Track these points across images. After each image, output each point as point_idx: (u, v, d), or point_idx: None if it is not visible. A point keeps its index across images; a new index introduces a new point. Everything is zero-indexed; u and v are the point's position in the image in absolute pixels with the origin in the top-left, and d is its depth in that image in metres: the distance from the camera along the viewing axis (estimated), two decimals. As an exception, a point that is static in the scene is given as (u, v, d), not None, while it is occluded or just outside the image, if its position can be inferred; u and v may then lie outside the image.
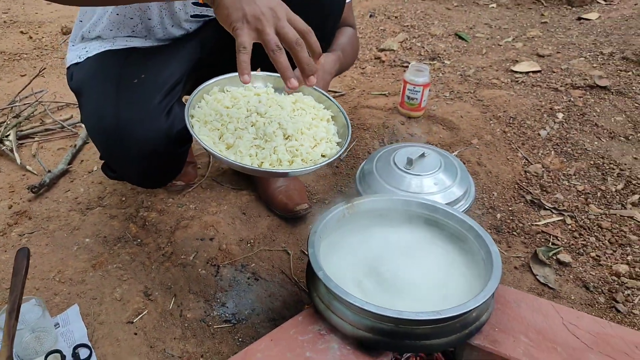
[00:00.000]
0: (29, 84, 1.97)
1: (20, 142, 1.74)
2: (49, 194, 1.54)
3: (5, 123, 1.80)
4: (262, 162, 0.94)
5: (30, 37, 2.59)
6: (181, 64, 1.21)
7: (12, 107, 1.89)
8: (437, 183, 1.30)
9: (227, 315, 1.19)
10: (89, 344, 1.07)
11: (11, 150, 1.68)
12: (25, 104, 1.90)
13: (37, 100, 1.90)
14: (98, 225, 1.42)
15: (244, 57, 0.81)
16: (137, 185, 1.28)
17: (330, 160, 0.96)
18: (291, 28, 0.84)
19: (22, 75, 2.22)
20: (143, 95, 1.10)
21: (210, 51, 1.27)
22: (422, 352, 1.00)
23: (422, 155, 1.34)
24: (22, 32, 2.66)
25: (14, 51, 2.45)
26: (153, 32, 1.24)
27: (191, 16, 1.24)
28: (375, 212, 1.14)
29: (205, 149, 0.89)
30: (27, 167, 1.63)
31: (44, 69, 2.16)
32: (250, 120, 0.99)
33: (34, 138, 1.78)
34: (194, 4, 1.22)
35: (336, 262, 1.04)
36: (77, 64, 1.25)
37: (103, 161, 1.30)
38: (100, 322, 1.14)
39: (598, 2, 2.80)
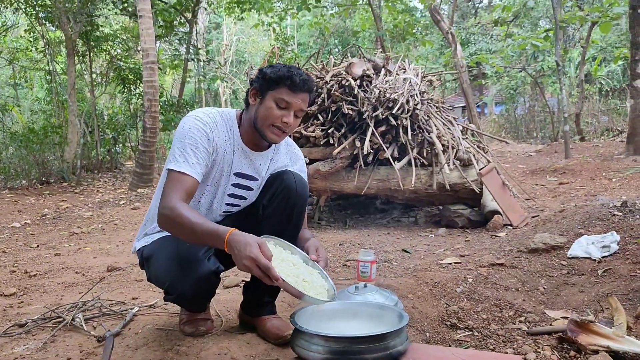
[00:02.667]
0: (91, 289, 2.73)
1: (85, 322, 2.41)
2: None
3: (73, 312, 2.50)
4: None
5: (83, 275, 3.42)
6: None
7: (77, 304, 2.61)
8: (375, 299, 2.01)
9: (238, 388, 1.75)
10: (147, 396, 1.62)
11: (80, 325, 2.35)
12: (87, 301, 2.62)
13: (96, 298, 2.62)
14: (145, 354, 2.01)
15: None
16: (189, 303, 1.98)
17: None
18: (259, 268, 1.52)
19: (80, 293, 2.98)
20: (192, 250, 1.88)
21: None
22: (361, 366, 1.58)
23: (365, 285, 2.07)
24: (76, 272, 3.50)
25: (71, 282, 3.25)
26: None
27: (220, 214, 2.12)
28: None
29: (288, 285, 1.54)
30: (92, 333, 2.28)
31: (103, 278, 2.93)
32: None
33: (94, 320, 2.46)
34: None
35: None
36: (144, 245, 2.07)
37: (164, 294, 1.99)
38: (153, 389, 1.69)
39: (507, 227, 3.79)
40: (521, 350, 1.92)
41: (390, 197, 4.36)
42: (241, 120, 2.00)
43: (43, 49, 12.13)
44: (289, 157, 2.16)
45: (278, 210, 2.06)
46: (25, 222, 6.41)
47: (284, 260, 1.72)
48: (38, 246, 4.71)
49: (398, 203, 4.55)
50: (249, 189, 2.09)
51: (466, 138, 4.45)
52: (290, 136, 2.17)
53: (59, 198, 9.61)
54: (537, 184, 6.69)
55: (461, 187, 4.08)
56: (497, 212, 3.95)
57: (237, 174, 2.02)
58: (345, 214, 5.05)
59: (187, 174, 1.78)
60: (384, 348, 1.56)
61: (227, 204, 2.09)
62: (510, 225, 3.78)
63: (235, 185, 2.05)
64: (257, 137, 1.93)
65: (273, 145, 2.07)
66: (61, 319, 2.41)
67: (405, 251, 3.35)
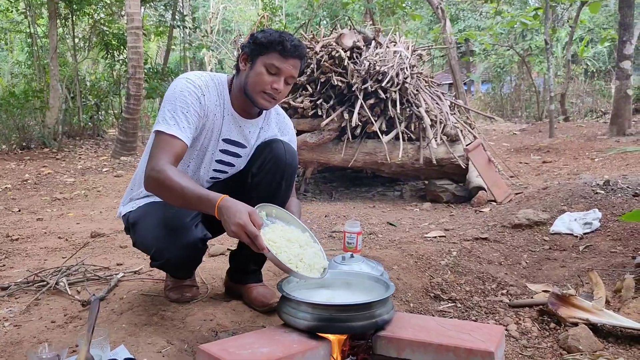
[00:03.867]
0: (74, 255, 2.71)
1: (68, 286, 2.40)
2: (93, 308, 2.15)
3: (57, 275, 2.48)
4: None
5: (66, 240, 3.39)
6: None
7: (60, 268, 2.59)
8: (361, 269, 2.02)
9: (224, 353, 1.76)
10: (134, 358, 1.63)
11: (64, 289, 2.33)
12: (71, 265, 2.60)
13: (80, 262, 2.61)
14: (130, 318, 2.01)
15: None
16: (175, 270, 1.98)
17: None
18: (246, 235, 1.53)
19: (63, 257, 2.95)
20: (179, 216, 1.86)
21: None
22: (347, 332, 1.60)
23: (351, 256, 2.09)
24: (59, 237, 3.47)
25: (54, 247, 3.22)
26: None
27: (207, 180, 2.10)
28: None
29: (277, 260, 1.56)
30: (76, 297, 2.27)
31: (87, 243, 2.91)
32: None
33: (78, 285, 2.45)
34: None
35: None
36: (130, 211, 2.04)
37: (150, 259, 1.97)
38: (139, 352, 1.70)
39: (491, 203, 3.84)
40: (503, 322, 1.96)
41: (376, 171, 4.38)
42: (232, 86, 1.97)
43: (24, 10, 11.77)
44: (278, 127, 2.14)
45: (267, 179, 2.05)
46: (6, 187, 6.31)
47: (287, 240, 1.72)
48: (20, 210, 4.65)
49: (384, 177, 4.56)
50: (237, 156, 2.07)
51: (454, 114, 4.46)
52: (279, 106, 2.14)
53: (40, 164, 9.46)
54: (521, 162, 6.76)
55: (447, 162, 4.11)
56: (482, 188, 3.99)
57: (226, 140, 2.00)
58: (331, 186, 5.06)
59: (177, 137, 1.75)
60: (370, 316, 1.57)
61: (215, 170, 2.07)
62: (494, 201, 3.83)
63: (223, 151, 2.02)
64: (247, 103, 1.91)
65: (263, 113, 2.05)
66: (45, 283, 2.39)
67: (391, 224, 3.38)
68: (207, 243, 2.00)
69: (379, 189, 4.86)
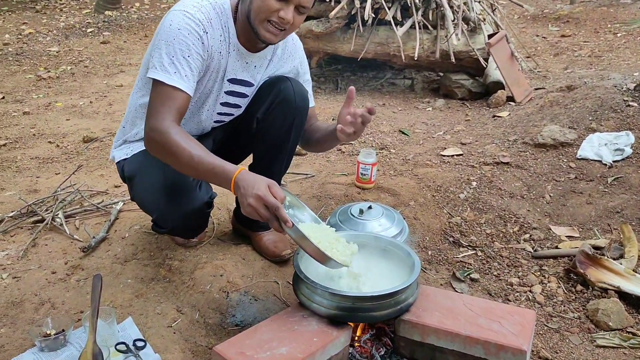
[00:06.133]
0: (68, 178, 2.54)
1: (66, 220, 2.26)
2: (94, 253, 2.04)
3: (52, 206, 2.33)
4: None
5: (57, 146, 3.19)
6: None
7: (55, 196, 2.43)
8: (381, 225, 1.88)
9: (237, 321, 1.68)
10: (144, 339, 1.55)
11: (61, 225, 2.20)
12: (66, 192, 2.45)
13: (77, 189, 2.44)
14: (135, 271, 1.92)
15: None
16: (181, 236, 1.84)
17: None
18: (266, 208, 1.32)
19: (57, 174, 2.78)
20: (181, 175, 1.65)
21: (218, 147, 1.87)
22: (370, 322, 1.51)
23: (370, 207, 1.92)
24: (49, 142, 3.26)
25: (46, 156, 3.03)
26: None
27: (211, 125, 1.85)
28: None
29: (303, 236, 1.35)
30: (75, 236, 2.15)
31: (80, 166, 2.73)
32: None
33: (75, 217, 2.31)
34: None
35: (312, 271, 1.58)
36: (125, 159, 1.82)
37: (153, 222, 1.81)
38: (148, 327, 1.62)
39: (509, 104, 3.58)
40: (526, 281, 1.88)
41: (388, 62, 4.02)
42: (237, 13, 1.63)
43: None
44: (291, 59, 1.84)
45: (275, 125, 1.81)
46: (-14, 59, 5.89)
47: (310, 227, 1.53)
48: (4, 97, 4.35)
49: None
50: (243, 95, 1.81)
51: (478, 1, 3.96)
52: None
53: (20, 19, 8.82)
54: (537, 35, 6.29)
55: (466, 55, 3.74)
56: (500, 84, 3.70)
57: (232, 80, 1.73)
58: (337, 70, 4.71)
59: (179, 89, 1.49)
60: (395, 303, 1.47)
61: (220, 114, 1.82)
62: (513, 100, 3.57)
63: (228, 92, 1.76)
64: (253, 35, 1.59)
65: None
66: (40, 218, 2.26)
67: (403, 132, 3.16)
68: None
69: (388, 75, 4.52)
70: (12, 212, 2.33)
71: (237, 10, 1.62)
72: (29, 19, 9.07)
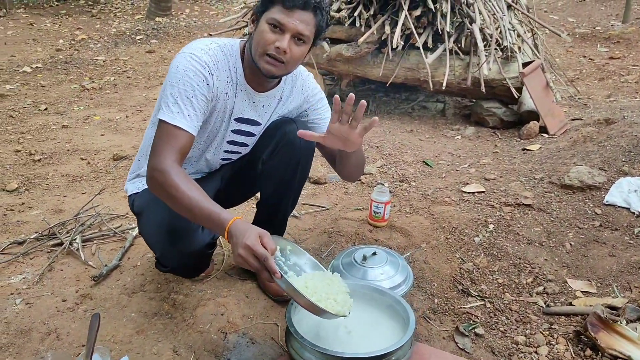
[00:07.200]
0: (91, 200, 2.62)
1: (83, 244, 2.33)
2: (105, 282, 2.09)
3: (72, 230, 2.41)
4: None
5: (88, 163, 3.30)
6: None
7: (77, 218, 2.51)
8: (383, 273, 1.85)
9: (231, 366, 1.69)
10: (136, 379, 1.57)
11: (77, 250, 2.27)
12: (87, 216, 2.52)
13: (97, 213, 2.52)
14: (140, 304, 1.95)
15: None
16: (182, 275, 1.85)
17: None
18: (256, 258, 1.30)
19: (83, 193, 2.88)
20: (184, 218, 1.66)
21: (226, 184, 1.89)
22: (358, 382, 1.49)
23: (374, 253, 1.90)
24: (82, 158, 3.37)
25: (75, 174, 3.14)
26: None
27: (218, 162, 1.87)
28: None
29: (292, 289, 1.33)
30: (89, 262, 2.21)
31: (103, 189, 2.82)
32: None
33: (93, 241, 2.38)
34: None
35: (306, 324, 1.56)
36: (136, 193, 1.86)
37: (156, 260, 1.85)
38: (143, 367, 1.65)
39: (542, 136, 3.46)
40: (533, 340, 1.80)
41: (419, 87, 3.96)
42: (244, 53, 1.65)
43: None
44: (303, 96, 1.84)
45: (280, 166, 1.82)
46: (37, 67, 6.17)
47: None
48: (47, 109, 4.54)
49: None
50: (250, 134, 1.82)
51: (513, 29, 3.84)
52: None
53: (75, 24, 9.21)
54: (584, 56, 6.06)
55: (498, 83, 3.64)
56: (535, 113, 3.58)
57: (239, 120, 1.74)
58: (369, 90, 4.68)
59: (181, 129, 1.51)
60: (384, 365, 1.44)
61: (227, 151, 1.84)
62: (547, 132, 3.44)
63: (235, 131, 1.78)
64: (259, 73, 1.60)
65: (282, 81, 1.75)
66: (60, 242, 2.33)
67: (427, 164, 3.11)
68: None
69: (420, 98, 4.46)
70: (35, 233, 2.42)
71: (245, 49, 1.65)
72: (84, 23, 9.45)
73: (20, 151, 3.47)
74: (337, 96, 1.50)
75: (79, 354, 1.71)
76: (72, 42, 7.96)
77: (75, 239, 2.34)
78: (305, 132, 1.54)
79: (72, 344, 1.78)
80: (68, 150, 3.52)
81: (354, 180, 1.92)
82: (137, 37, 8.20)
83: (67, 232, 2.41)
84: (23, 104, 4.62)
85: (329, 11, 1.64)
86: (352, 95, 1.45)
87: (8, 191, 2.89)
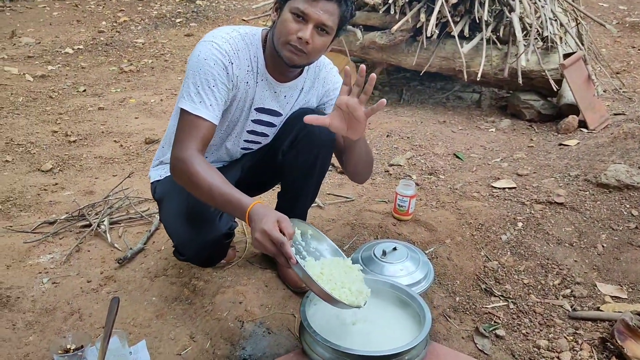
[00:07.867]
0: (121, 183, 2.66)
1: (111, 226, 2.38)
2: (129, 264, 2.14)
3: (101, 212, 2.46)
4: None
5: (121, 145, 3.36)
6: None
7: (106, 200, 2.56)
8: (403, 269, 1.82)
9: (245, 355, 1.70)
10: (151, 363, 1.60)
11: (104, 232, 2.32)
12: (116, 198, 2.57)
13: (125, 196, 2.56)
14: (162, 288, 1.99)
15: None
16: (199, 265, 1.87)
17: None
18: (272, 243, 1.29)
19: (114, 176, 2.93)
20: (202, 205, 1.67)
21: (246, 174, 1.88)
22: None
23: (394, 249, 1.87)
24: (115, 141, 3.44)
25: (108, 156, 3.20)
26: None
27: (238, 152, 1.87)
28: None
29: (307, 276, 1.32)
30: (115, 244, 2.25)
31: (132, 173, 2.87)
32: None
33: (120, 224, 2.42)
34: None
35: (320, 317, 1.55)
36: (158, 180, 1.88)
37: (174, 248, 1.86)
38: (160, 352, 1.67)
39: (581, 130, 3.33)
40: (556, 345, 1.75)
41: (454, 77, 3.86)
42: (266, 43, 1.64)
43: None
44: (325, 89, 1.81)
45: (300, 157, 1.80)
46: (79, 48, 6.30)
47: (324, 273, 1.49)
48: (85, 90, 4.64)
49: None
50: (271, 125, 1.81)
51: (555, 19, 3.68)
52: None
53: (118, 5, 9.33)
54: (633, 47, 5.79)
55: (537, 75, 3.50)
56: (574, 106, 3.44)
57: (259, 109, 1.73)
58: (404, 78, 4.59)
59: (203, 118, 1.52)
60: (397, 364, 1.42)
61: (247, 141, 1.83)
62: (586, 127, 3.31)
63: (255, 121, 1.77)
64: (280, 62, 1.58)
65: (304, 71, 1.72)
66: (88, 223, 2.39)
67: (457, 157, 3.03)
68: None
69: (455, 88, 4.35)
70: (66, 214, 2.48)
71: (267, 38, 1.63)
72: (127, 5, 9.58)
73: (57, 132, 3.56)
74: (347, 67, 1.45)
75: (99, 335, 1.76)
76: (114, 24, 8.08)
77: (103, 221, 2.39)
78: (312, 117, 1.51)
79: (94, 324, 1.82)
80: (102, 132, 3.60)
81: (362, 181, 1.90)
82: (177, 20, 8.27)
83: (96, 214, 2.46)
84: (63, 85, 4.74)
85: (354, 1, 1.60)
86: (363, 66, 1.40)
87: (43, 171, 2.98)
